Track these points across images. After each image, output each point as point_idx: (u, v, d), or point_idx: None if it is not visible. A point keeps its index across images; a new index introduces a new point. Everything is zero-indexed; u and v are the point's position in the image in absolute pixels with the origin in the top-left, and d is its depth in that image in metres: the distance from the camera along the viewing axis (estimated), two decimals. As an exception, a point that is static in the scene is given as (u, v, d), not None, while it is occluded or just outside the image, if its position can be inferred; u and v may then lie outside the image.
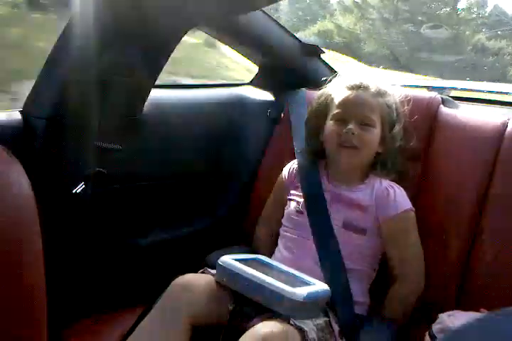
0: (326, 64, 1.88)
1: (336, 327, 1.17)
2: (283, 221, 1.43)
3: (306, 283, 1.19)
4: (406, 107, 1.42)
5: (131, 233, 1.45)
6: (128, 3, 1.17)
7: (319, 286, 1.19)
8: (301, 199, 1.38)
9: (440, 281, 1.32)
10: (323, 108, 1.41)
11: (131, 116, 1.41)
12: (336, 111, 1.36)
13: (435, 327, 1.11)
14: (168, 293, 1.17)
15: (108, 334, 1.19)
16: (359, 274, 1.31)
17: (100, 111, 1.28)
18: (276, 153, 1.64)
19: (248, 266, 1.19)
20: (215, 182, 1.67)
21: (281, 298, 1.10)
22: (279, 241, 1.41)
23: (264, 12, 1.65)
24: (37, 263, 0.65)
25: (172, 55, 1.34)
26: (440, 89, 1.76)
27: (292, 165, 1.49)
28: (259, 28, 1.67)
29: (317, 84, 1.53)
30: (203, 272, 1.28)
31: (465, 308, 1.20)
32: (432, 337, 1.10)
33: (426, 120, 1.47)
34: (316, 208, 1.35)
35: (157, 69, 1.38)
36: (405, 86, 1.77)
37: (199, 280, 1.21)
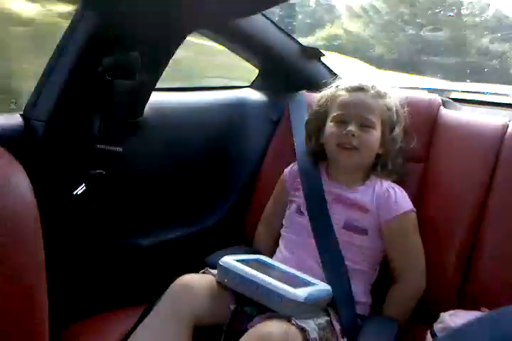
0: (326, 66, 1.88)
1: (337, 327, 1.17)
2: (284, 222, 1.43)
3: (307, 284, 1.19)
4: (406, 109, 1.42)
5: (131, 234, 1.45)
6: (129, 7, 1.18)
7: (320, 287, 1.19)
8: (302, 201, 1.39)
9: (441, 281, 1.32)
10: (324, 110, 1.42)
11: (131, 119, 1.42)
12: (336, 112, 1.37)
13: (437, 326, 1.11)
14: (169, 293, 1.16)
15: (109, 333, 1.18)
16: (360, 274, 1.31)
17: (101, 114, 1.29)
18: (277, 155, 1.64)
19: (249, 266, 1.19)
20: (216, 184, 1.67)
21: (282, 299, 1.10)
22: (280, 242, 1.41)
23: (264, 15, 1.65)
24: (38, 263, 0.65)
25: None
26: (440, 91, 1.77)
27: (293, 166, 1.49)
28: (259, 31, 1.68)
29: (317, 87, 1.53)
30: (203, 272, 1.28)
31: (466, 308, 1.20)
32: (434, 336, 1.10)
33: (426, 122, 1.47)
34: (317, 209, 1.35)
35: (158, 72, 1.39)
36: (406, 88, 1.78)
37: (200, 281, 1.21)
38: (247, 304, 1.18)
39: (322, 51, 1.83)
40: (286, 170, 1.50)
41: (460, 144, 1.42)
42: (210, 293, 1.18)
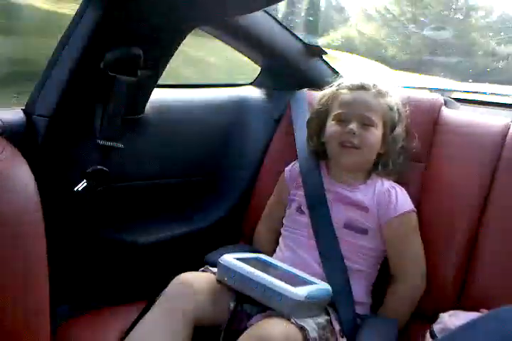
0: (328, 65, 1.88)
1: (336, 326, 1.17)
2: (284, 220, 1.43)
3: (307, 283, 1.19)
4: (408, 108, 1.42)
5: (131, 231, 1.45)
6: (131, 3, 1.18)
7: (320, 286, 1.19)
8: (303, 199, 1.39)
9: (441, 282, 1.32)
10: (325, 108, 1.42)
11: (133, 115, 1.42)
12: (338, 111, 1.37)
13: (436, 326, 1.11)
14: (168, 291, 1.16)
15: (108, 330, 1.18)
16: (360, 274, 1.31)
17: (102, 110, 1.29)
18: (278, 154, 1.64)
19: (249, 265, 1.18)
20: (216, 182, 1.67)
21: (281, 297, 1.10)
22: (281, 241, 1.41)
23: (266, 12, 1.65)
24: (40, 256, 0.65)
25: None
26: (442, 91, 1.76)
27: (294, 165, 1.49)
28: (261, 29, 1.67)
29: (319, 85, 1.53)
30: (203, 270, 1.28)
31: (466, 309, 1.20)
32: (433, 336, 1.10)
33: (428, 121, 1.47)
34: (318, 208, 1.35)
35: (160, 69, 1.39)
36: (408, 87, 1.78)
37: (200, 279, 1.21)
38: (247, 302, 1.18)
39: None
40: (287, 169, 1.49)
41: (461, 144, 1.42)
42: (210, 291, 1.18)
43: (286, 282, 1.13)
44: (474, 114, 1.57)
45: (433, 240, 1.34)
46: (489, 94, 1.92)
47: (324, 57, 1.86)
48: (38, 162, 1.23)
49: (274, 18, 1.69)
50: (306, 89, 1.70)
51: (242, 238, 1.60)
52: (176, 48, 1.36)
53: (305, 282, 1.19)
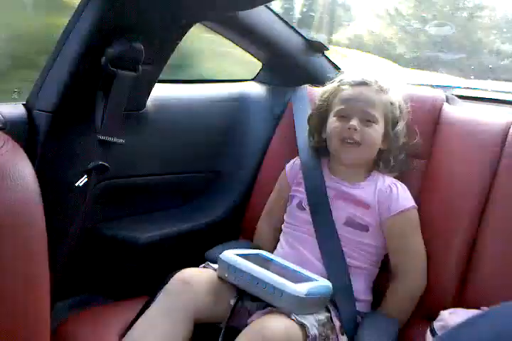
0: (330, 61, 1.87)
1: (337, 323, 1.17)
2: (285, 217, 1.43)
3: (308, 279, 1.19)
4: (409, 104, 1.42)
5: (132, 227, 1.45)
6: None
7: (321, 282, 1.19)
8: (304, 196, 1.38)
9: (442, 280, 1.32)
10: (326, 104, 1.42)
11: (134, 111, 1.41)
12: (339, 107, 1.36)
13: (436, 324, 1.11)
14: (169, 287, 1.16)
15: (109, 326, 1.18)
16: (361, 271, 1.31)
17: (103, 105, 1.28)
18: (279, 150, 1.63)
19: (250, 261, 1.18)
20: (217, 178, 1.67)
21: (282, 294, 1.10)
22: (281, 237, 1.41)
23: (268, 8, 1.64)
24: (40, 251, 0.65)
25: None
26: (444, 87, 1.76)
27: (295, 161, 1.48)
28: (263, 24, 1.66)
29: (321, 81, 1.53)
30: (204, 267, 1.28)
31: (466, 307, 1.20)
32: (434, 333, 1.10)
33: (430, 118, 1.47)
34: (319, 205, 1.35)
35: (161, 64, 1.38)
36: (410, 84, 1.77)
37: (200, 275, 1.21)
38: (247, 299, 1.18)
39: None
40: (288, 165, 1.49)
41: (463, 141, 1.42)
42: (211, 288, 1.18)
43: (286, 278, 1.13)
44: (476, 110, 1.56)
45: (433, 237, 1.34)
46: (491, 90, 1.91)
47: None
48: (39, 157, 1.24)
49: (276, 14, 1.68)
50: (307, 86, 1.70)
51: (243, 235, 1.60)
52: (177, 43, 1.35)
53: (306, 279, 1.19)
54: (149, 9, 1.21)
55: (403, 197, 1.33)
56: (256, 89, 1.83)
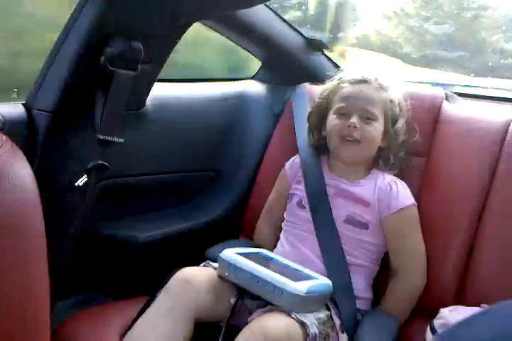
0: (329, 59, 1.87)
1: (337, 321, 1.17)
2: (285, 215, 1.43)
3: (308, 278, 1.19)
4: (409, 102, 1.42)
5: (132, 226, 1.45)
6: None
7: (321, 281, 1.19)
8: (304, 194, 1.38)
9: (442, 277, 1.32)
10: (326, 102, 1.42)
11: (133, 110, 1.41)
12: (339, 105, 1.36)
13: (436, 321, 1.11)
14: (169, 286, 1.16)
15: (109, 325, 1.18)
16: (361, 269, 1.31)
17: (103, 104, 1.28)
18: (278, 148, 1.63)
19: (250, 259, 1.18)
20: (217, 177, 1.67)
21: (282, 292, 1.10)
22: (281, 236, 1.41)
23: (268, 6, 1.64)
24: (39, 252, 0.65)
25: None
26: (444, 85, 1.75)
27: (295, 159, 1.48)
28: (262, 23, 1.66)
29: (320, 79, 1.52)
30: (204, 265, 1.28)
31: (466, 304, 1.20)
32: (434, 331, 1.10)
33: (429, 116, 1.46)
34: (319, 202, 1.35)
35: (160, 63, 1.38)
36: (409, 81, 1.77)
37: (200, 274, 1.21)
38: (248, 297, 1.18)
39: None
40: (288, 164, 1.49)
41: (463, 139, 1.41)
42: (211, 286, 1.18)
43: (287, 277, 1.13)
44: (476, 108, 1.56)
45: (433, 235, 1.34)
46: (492, 88, 1.91)
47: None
48: (39, 156, 1.24)
49: (275, 12, 1.68)
50: (307, 84, 1.69)
51: (243, 233, 1.60)
52: (177, 42, 1.35)
53: (306, 277, 1.19)
54: (148, 8, 1.21)
55: (403, 194, 1.33)
56: (255, 88, 1.82)
